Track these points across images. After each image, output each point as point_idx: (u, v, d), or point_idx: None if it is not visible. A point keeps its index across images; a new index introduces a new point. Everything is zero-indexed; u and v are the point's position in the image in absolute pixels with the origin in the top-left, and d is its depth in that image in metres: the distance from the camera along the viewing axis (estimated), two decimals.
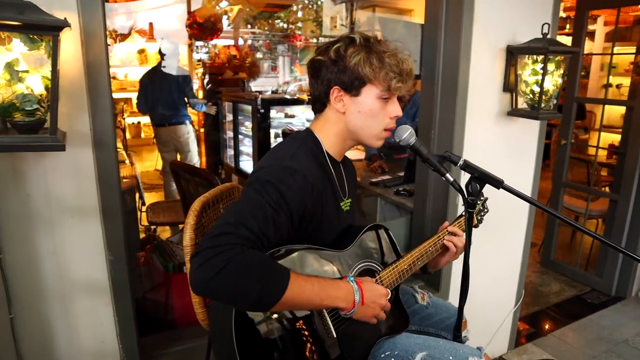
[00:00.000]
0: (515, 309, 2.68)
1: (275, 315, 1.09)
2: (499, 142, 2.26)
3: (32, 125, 1.15)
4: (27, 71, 1.10)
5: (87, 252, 1.50)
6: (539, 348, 2.82)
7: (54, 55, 1.11)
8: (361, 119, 1.21)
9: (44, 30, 1.08)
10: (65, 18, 1.14)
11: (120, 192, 1.52)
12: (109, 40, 4.52)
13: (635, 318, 3.14)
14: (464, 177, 1.27)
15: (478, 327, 2.53)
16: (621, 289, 3.40)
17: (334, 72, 1.18)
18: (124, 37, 5.51)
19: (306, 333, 1.12)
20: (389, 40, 1.21)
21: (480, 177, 1.22)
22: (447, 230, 1.43)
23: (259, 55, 7.44)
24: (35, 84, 1.12)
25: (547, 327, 3.07)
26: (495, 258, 2.49)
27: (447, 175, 1.22)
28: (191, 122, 4.62)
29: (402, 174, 3.00)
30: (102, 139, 1.44)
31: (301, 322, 1.12)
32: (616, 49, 3.36)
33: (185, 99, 4.47)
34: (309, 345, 1.12)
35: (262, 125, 4.45)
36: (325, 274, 1.17)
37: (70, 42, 1.33)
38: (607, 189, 4.12)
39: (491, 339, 2.61)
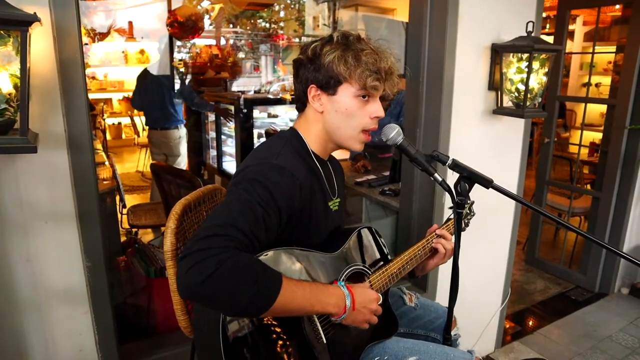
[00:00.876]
0: (501, 308, 2.68)
1: (264, 321, 1.05)
2: (484, 141, 2.25)
3: (0, 126, 1.09)
4: None
5: (63, 258, 1.43)
6: (525, 346, 2.82)
7: (22, 51, 1.05)
8: (338, 119, 1.18)
9: (11, 25, 1.02)
10: (35, 13, 1.08)
11: (97, 195, 1.46)
12: (87, 39, 4.41)
13: (619, 314, 3.17)
14: (452, 177, 1.25)
15: (465, 327, 2.50)
16: (604, 286, 3.44)
17: (311, 70, 1.16)
18: (103, 36, 5.39)
19: (295, 339, 1.08)
20: (372, 39, 1.17)
21: (470, 177, 1.20)
22: (435, 234, 1.40)
23: (241, 55, 7.37)
24: (2, 82, 1.06)
25: (532, 324, 3.08)
26: (482, 257, 2.49)
27: (436, 175, 1.20)
28: (184, 126, 4.49)
29: (387, 173, 2.98)
30: (78, 141, 1.38)
31: (290, 327, 1.08)
32: (595, 49, 3.39)
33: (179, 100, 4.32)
34: (298, 351, 1.08)
35: (244, 126, 4.39)
36: (314, 278, 1.14)
37: (41, 39, 1.27)
38: (589, 186, 4.16)
39: (478, 338, 2.61)
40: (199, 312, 1.12)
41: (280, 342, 1.06)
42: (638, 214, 3.35)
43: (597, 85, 6.50)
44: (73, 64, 1.34)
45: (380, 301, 1.17)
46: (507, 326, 2.99)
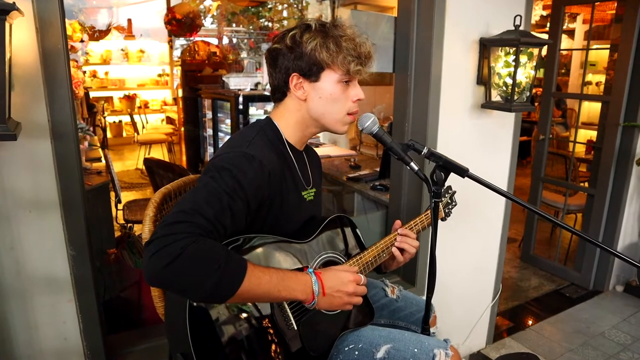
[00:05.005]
0: (493, 304, 2.68)
1: (232, 306, 1.05)
2: (473, 135, 2.25)
3: None
4: None
5: (47, 247, 1.45)
6: (517, 342, 2.82)
7: (0, 40, 1.06)
8: (322, 105, 1.19)
9: None
10: (14, 2, 1.10)
11: (82, 184, 1.47)
12: (85, 36, 4.44)
13: (612, 311, 3.17)
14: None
15: (456, 322, 2.53)
16: (599, 283, 3.43)
17: (291, 59, 1.16)
18: (102, 33, 5.41)
19: (265, 325, 1.09)
20: (346, 25, 1.19)
21: (445, 166, 1.21)
22: (398, 233, 1.38)
23: (244, 54, 7.38)
24: None
25: (526, 321, 3.08)
26: (472, 253, 2.49)
27: (412, 164, 1.20)
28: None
29: (378, 169, 2.99)
30: (61, 130, 1.39)
31: (260, 313, 1.09)
32: (594, 46, 3.38)
33: None
34: (267, 337, 1.09)
35: (241, 122, 4.41)
36: (286, 266, 1.15)
37: (23, 30, 1.29)
38: (586, 184, 4.16)
39: (469, 333, 2.61)
40: (168, 297, 1.13)
41: (249, 328, 1.07)
42: (632, 211, 3.34)
43: (597, 84, 6.49)
44: (56, 55, 1.35)
45: (363, 282, 1.17)
46: (500, 322, 2.99)
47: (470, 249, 2.47)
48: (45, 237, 1.44)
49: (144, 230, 1.23)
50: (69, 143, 1.42)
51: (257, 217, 1.10)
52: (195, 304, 1.00)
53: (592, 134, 5.19)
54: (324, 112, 1.20)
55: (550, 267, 3.72)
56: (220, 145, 4.88)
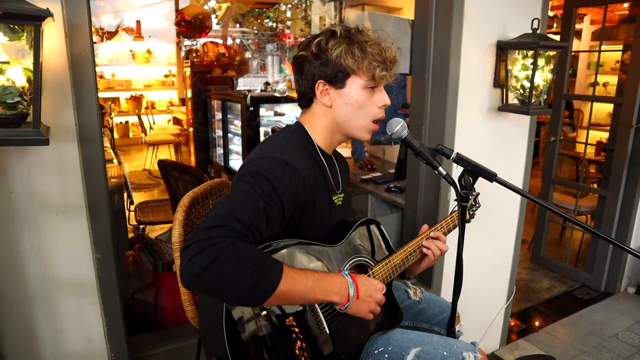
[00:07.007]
0: (506, 305, 2.68)
1: (266, 311, 1.06)
2: (489, 138, 2.26)
3: (13, 119, 1.11)
4: (7, 62, 1.07)
5: (73, 250, 1.46)
6: (530, 344, 2.82)
7: (35, 46, 1.07)
8: (348, 111, 1.19)
9: (24, 20, 1.04)
10: (48, 8, 1.11)
11: (107, 188, 1.48)
12: (95, 38, 4.45)
13: (625, 313, 3.16)
14: (456, 172, 1.26)
15: (470, 324, 2.51)
16: (610, 285, 3.43)
17: (317, 66, 1.17)
18: (111, 35, 5.43)
19: (298, 329, 1.10)
20: (372, 30, 1.19)
21: (473, 170, 1.21)
22: (430, 236, 1.39)
23: (247, 55, 7.39)
24: (16, 75, 1.08)
25: (538, 323, 3.08)
26: (487, 254, 2.49)
27: (440, 168, 1.21)
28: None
29: (392, 171, 2.99)
30: (88, 134, 1.40)
31: (293, 318, 1.10)
32: (602, 47, 3.38)
33: None
34: (301, 341, 1.09)
35: (251, 124, 4.41)
36: (317, 269, 1.15)
37: (53, 35, 1.30)
38: (595, 185, 4.15)
39: (483, 335, 2.61)
40: (202, 302, 1.13)
41: (283, 332, 1.08)
42: None
43: (604, 84, 6.48)
44: (84, 60, 1.36)
45: (384, 291, 1.18)
46: (513, 324, 2.99)
47: (484, 251, 2.47)
48: (71, 240, 1.45)
49: (173, 234, 1.24)
50: (95, 146, 1.43)
51: (290, 222, 1.10)
52: (231, 308, 1.00)
53: (600, 135, 5.19)
54: (350, 119, 1.20)
55: (561, 269, 3.72)
56: (229, 147, 4.92)
